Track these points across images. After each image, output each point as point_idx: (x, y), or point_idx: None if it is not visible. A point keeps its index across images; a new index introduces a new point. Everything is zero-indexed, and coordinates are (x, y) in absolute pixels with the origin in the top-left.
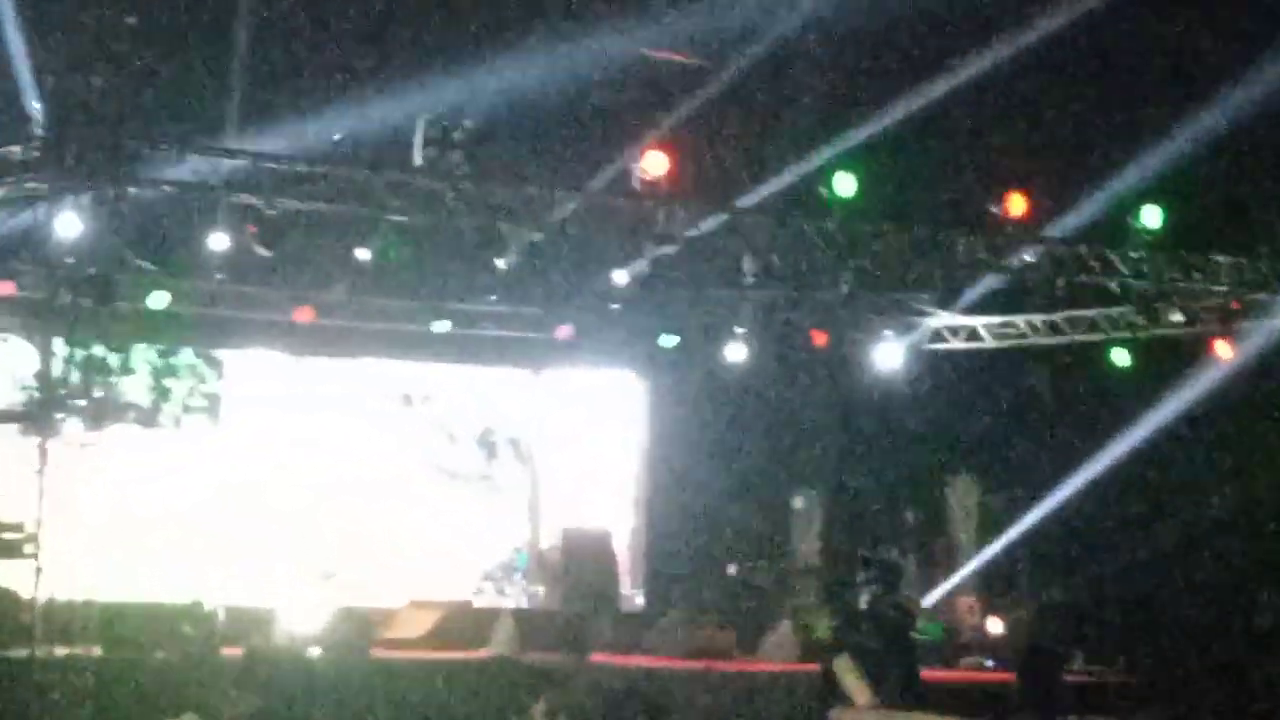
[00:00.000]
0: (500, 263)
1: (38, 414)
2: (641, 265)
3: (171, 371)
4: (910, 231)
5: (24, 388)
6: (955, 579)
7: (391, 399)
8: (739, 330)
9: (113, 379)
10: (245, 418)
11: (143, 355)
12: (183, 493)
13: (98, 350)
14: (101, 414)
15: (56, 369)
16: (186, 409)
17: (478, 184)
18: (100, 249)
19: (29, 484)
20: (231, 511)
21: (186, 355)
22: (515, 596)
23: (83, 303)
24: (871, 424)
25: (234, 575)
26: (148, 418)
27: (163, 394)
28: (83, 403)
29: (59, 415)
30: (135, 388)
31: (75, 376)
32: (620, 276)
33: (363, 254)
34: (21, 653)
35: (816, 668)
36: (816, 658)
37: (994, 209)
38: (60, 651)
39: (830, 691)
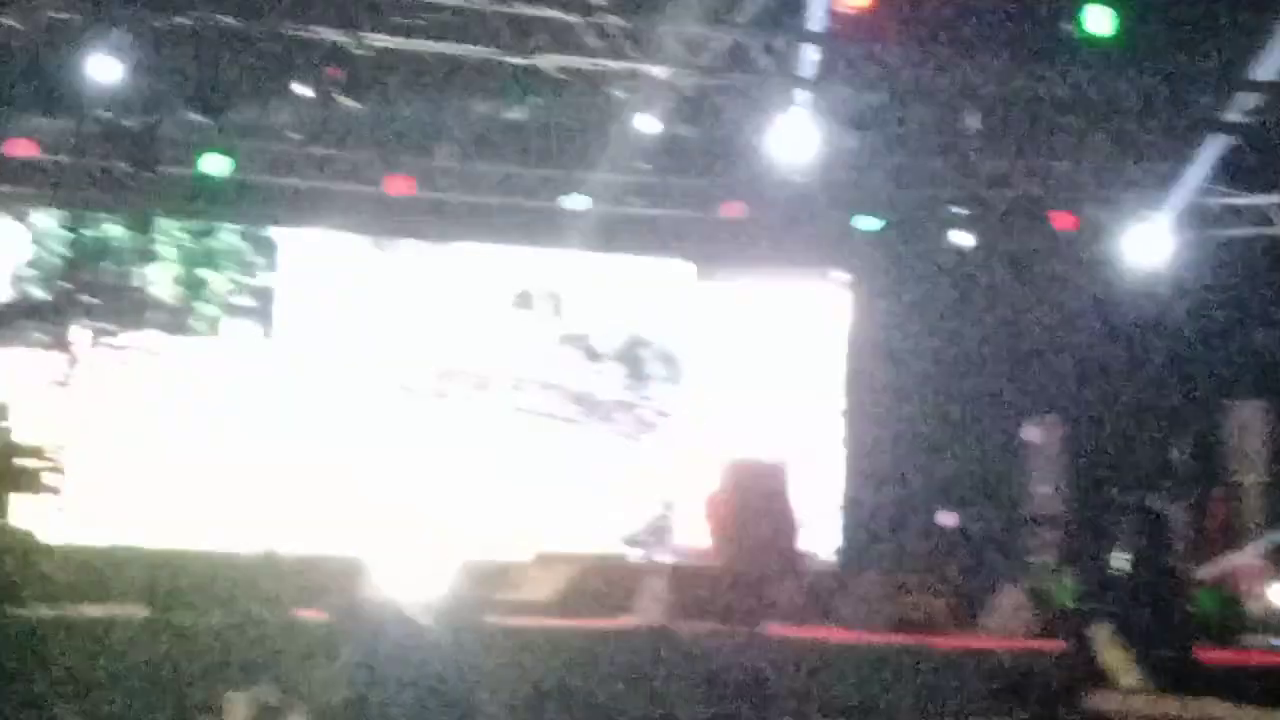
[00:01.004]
0: (652, 121)
1: (53, 312)
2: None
3: (208, 259)
4: (1182, 83)
5: (19, 279)
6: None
7: (504, 298)
8: (959, 210)
9: (130, 268)
10: (305, 321)
11: (170, 237)
12: (228, 416)
13: (112, 229)
14: (118, 314)
15: (53, 251)
16: (228, 309)
17: (626, 18)
18: (142, 99)
19: (42, 402)
20: (292, 440)
21: (227, 236)
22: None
23: (119, 166)
24: (1129, 333)
25: (298, 519)
26: (174, 321)
27: (194, 289)
28: (95, 300)
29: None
30: (162, 280)
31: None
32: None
33: (478, 109)
34: (45, 613)
35: (1058, 643)
36: (1057, 631)
37: None
38: (93, 611)
39: (1082, 671)
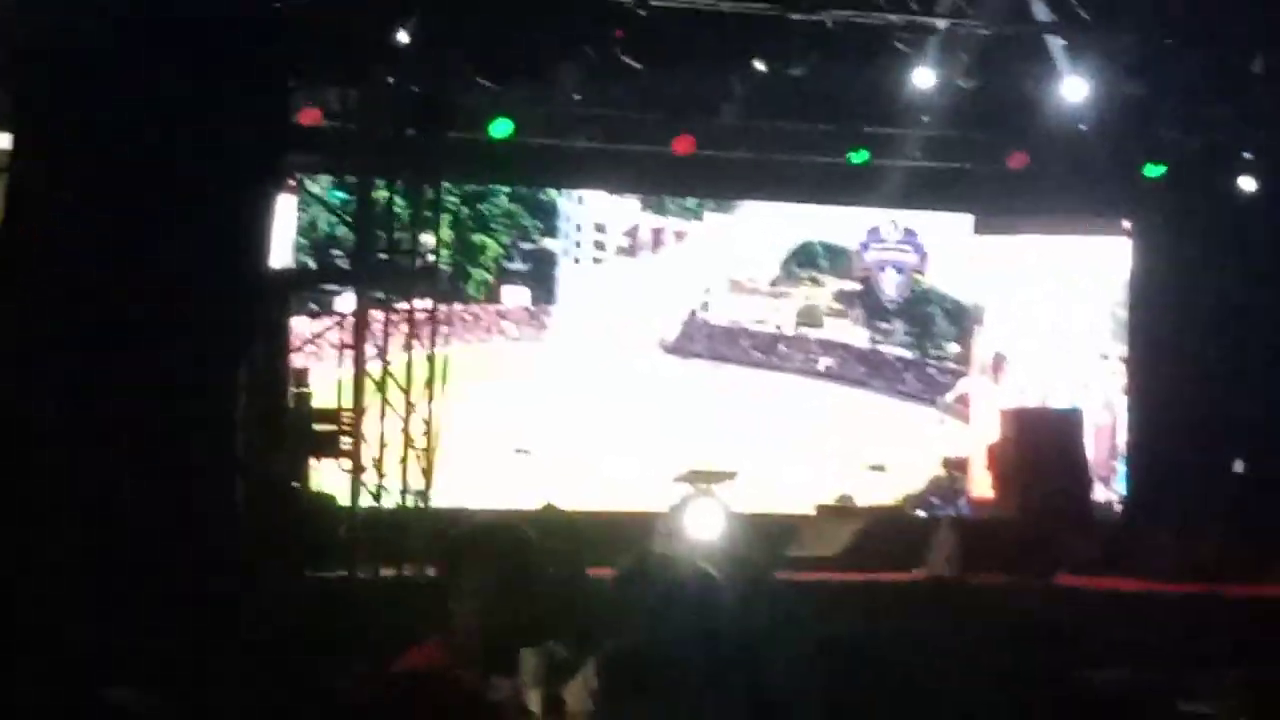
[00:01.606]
0: (928, 75)
1: (335, 278)
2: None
3: (482, 224)
4: None
5: (299, 248)
6: None
7: (783, 257)
8: (1247, 156)
9: (408, 234)
10: (583, 285)
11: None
12: (511, 376)
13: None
14: (396, 280)
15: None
16: (503, 274)
17: None
18: (432, 63)
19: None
20: (569, 398)
21: (502, 201)
22: None
23: (408, 133)
24: None
25: (581, 476)
26: (451, 288)
27: (469, 254)
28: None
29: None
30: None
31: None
32: (1077, 87)
33: (760, 65)
34: (344, 574)
35: None
36: None
37: None
38: (387, 572)
39: None
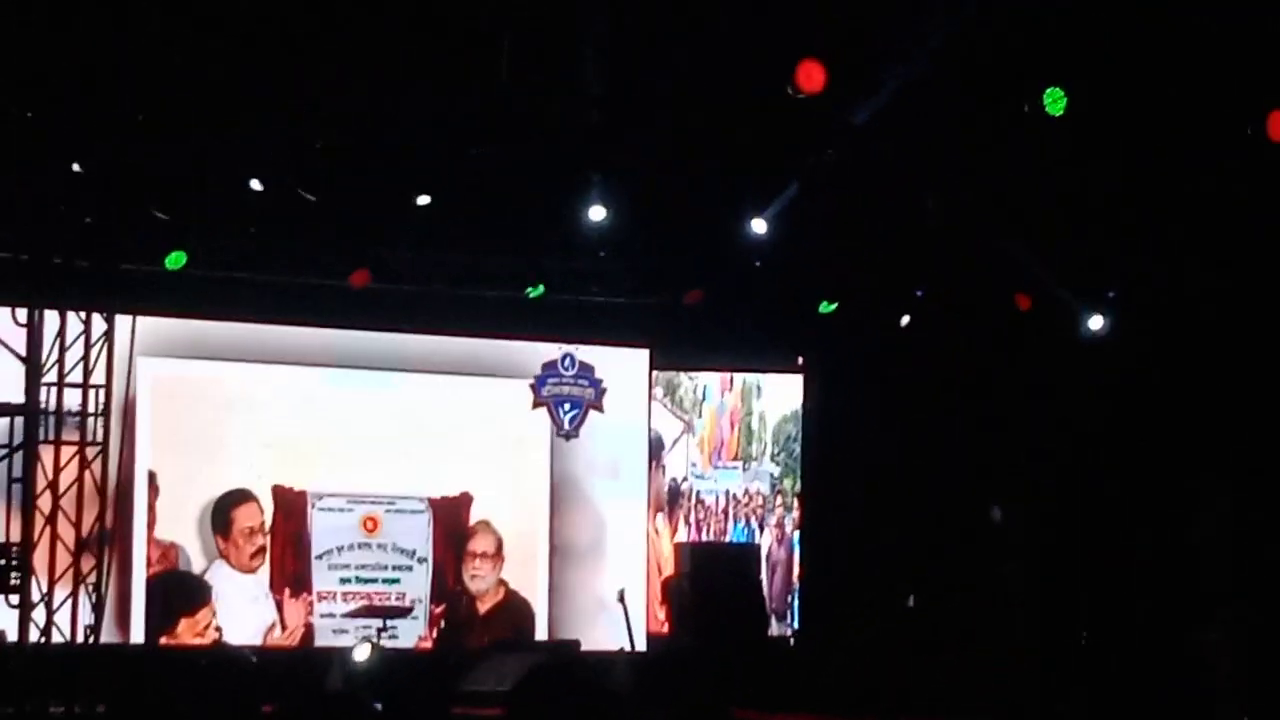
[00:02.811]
0: (598, 212)
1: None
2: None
3: None
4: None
5: None
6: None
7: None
8: (915, 292)
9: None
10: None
11: None
12: None
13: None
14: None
15: None
16: None
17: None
18: (106, 192)
19: None
20: None
21: None
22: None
23: (80, 265)
24: (1090, 412)
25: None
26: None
27: None
28: None
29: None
30: None
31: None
32: (759, 225)
33: (425, 200)
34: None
35: None
36: None
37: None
38: (55, 710)
39: None
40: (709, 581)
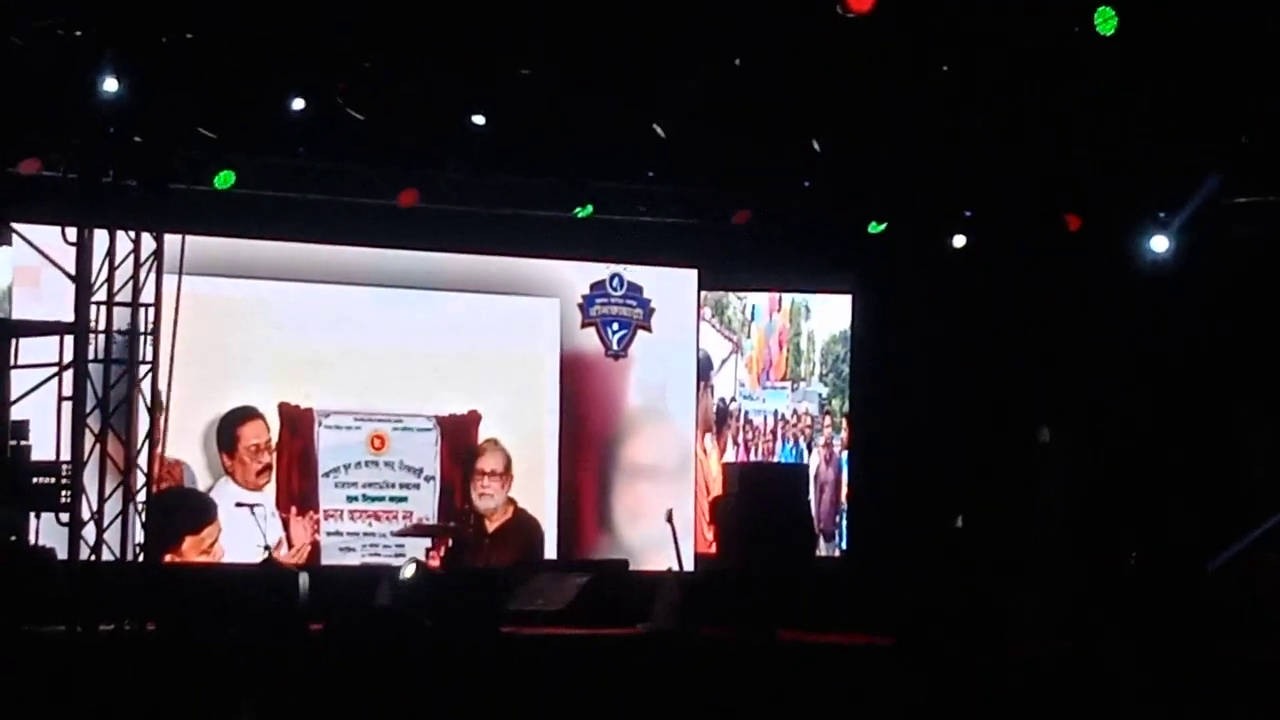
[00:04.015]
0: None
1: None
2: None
3: None
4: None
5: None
6: (1254, 533)
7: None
8: (965, 212)
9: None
10: None
11: None
12: None
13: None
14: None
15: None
16: None
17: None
18: (151, 114)
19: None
20: None
21: None
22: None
23: (128, 184)
24: (1137, 332)
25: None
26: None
27: None
28: None
29: None
30: None
31: None
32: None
33: (480, 120)
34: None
35: None
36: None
37: None
38: (106, 627)
39: None
40: (757, 502)
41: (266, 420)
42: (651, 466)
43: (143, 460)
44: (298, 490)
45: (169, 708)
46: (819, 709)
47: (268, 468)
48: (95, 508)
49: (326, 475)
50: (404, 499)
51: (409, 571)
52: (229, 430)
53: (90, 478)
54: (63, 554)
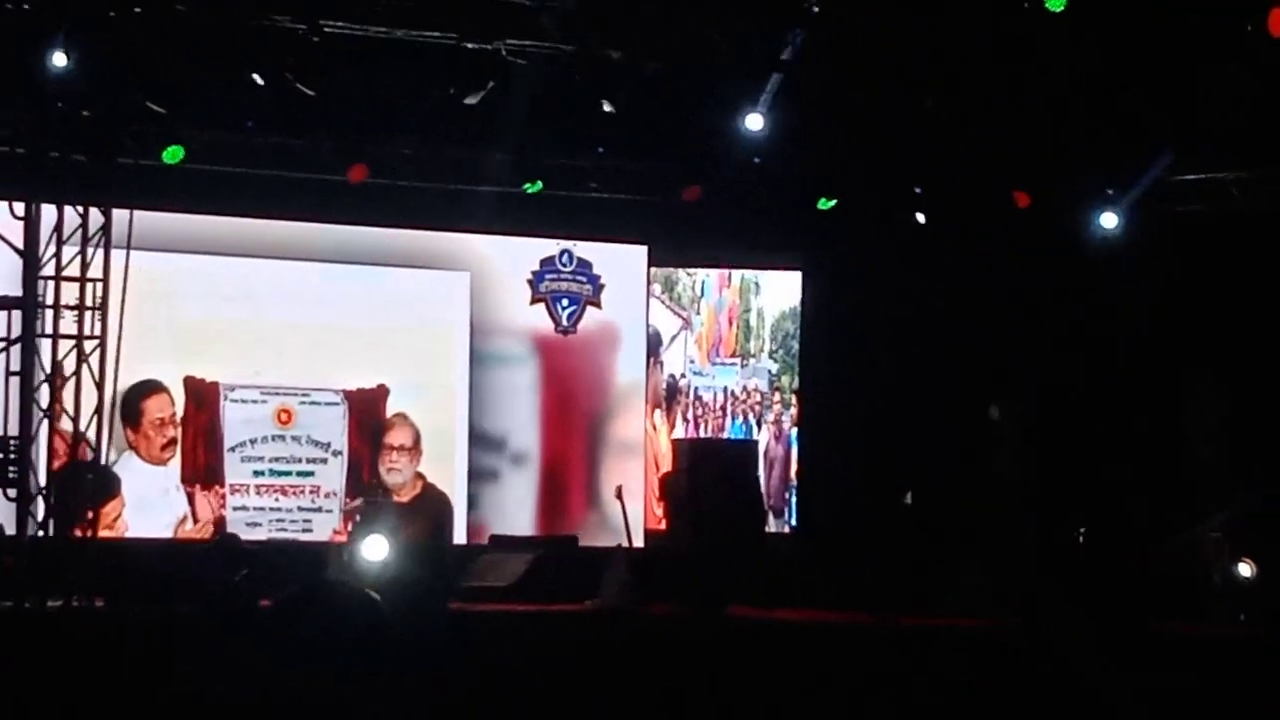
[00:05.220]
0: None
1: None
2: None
3: None
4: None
5: None
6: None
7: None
8: (916, 189)
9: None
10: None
11: None
12: None
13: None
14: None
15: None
16: None
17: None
18: (99, 89)
19: None
20: None
21: None
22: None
23: (76, 159)
24: (1086, 308)
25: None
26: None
27: None
28: None
29: None
30: None
31: None
32: (754, 121)
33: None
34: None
35: None
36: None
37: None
38: (54, 603)
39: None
40: (706, 478)
41: (171, 394)
42: (601, 442)
43: (91, 435)
44: (203, 464)
45: (115, 683)
46: (768, 685)
47: (172, 441)
48: (43, 483)
49: (233, 450)
50: (311, 473)
51: (373, 546)
52: (133, 404)
53: (39, 453)
54: (10, 529)
